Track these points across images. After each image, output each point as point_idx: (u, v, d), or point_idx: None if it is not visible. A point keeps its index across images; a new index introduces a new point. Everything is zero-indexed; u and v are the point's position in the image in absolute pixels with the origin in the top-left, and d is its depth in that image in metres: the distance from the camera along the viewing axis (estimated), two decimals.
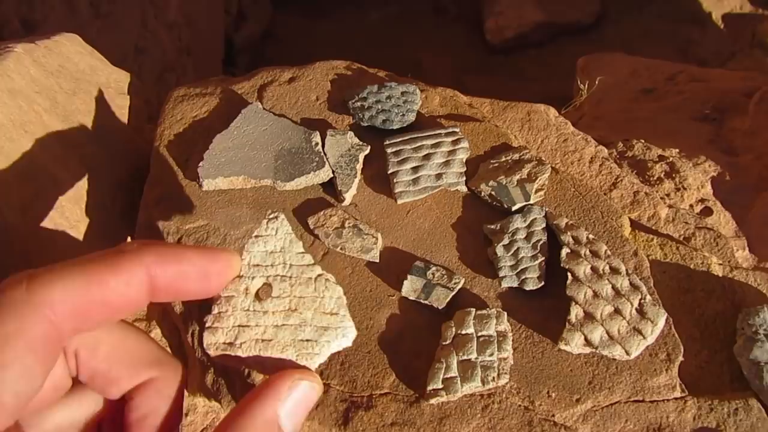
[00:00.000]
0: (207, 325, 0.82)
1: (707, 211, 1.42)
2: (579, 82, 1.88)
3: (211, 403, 1.23)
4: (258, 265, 0.86)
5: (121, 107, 1.47)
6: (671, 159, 1.49)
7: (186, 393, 1.13)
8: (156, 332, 1.32)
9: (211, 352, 0.81)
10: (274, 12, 7.06)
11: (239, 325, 0.81)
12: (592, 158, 1.41)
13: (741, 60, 6.56)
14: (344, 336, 0.84)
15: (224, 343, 0.81)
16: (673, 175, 1.46)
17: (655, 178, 1.46)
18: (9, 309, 0.50)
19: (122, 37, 4.15)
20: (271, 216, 0.89)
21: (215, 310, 0.82)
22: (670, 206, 1.36)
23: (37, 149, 1.17)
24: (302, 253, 0.88)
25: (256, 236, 0.87)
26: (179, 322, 1.27)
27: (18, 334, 0.49)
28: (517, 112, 1.48)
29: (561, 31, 6.82)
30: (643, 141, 1.53)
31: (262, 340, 0.81)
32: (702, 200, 1.44)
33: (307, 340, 0.82)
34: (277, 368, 0.81)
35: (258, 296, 0.85)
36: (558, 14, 6.69)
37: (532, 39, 6.78)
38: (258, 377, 1.06)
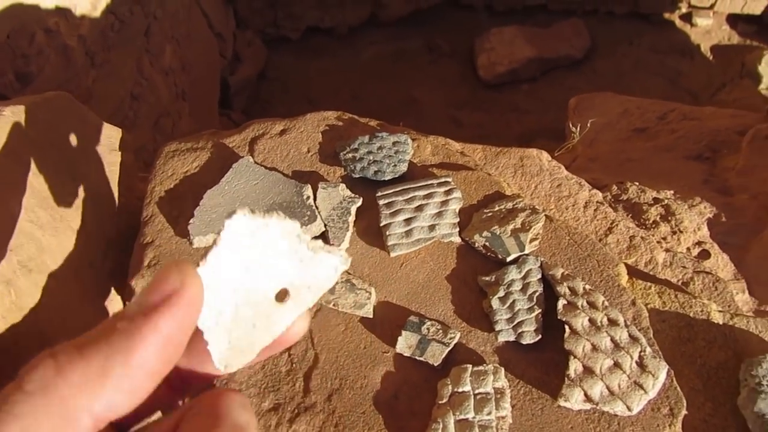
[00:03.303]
0: None
1: (705, 254, 1.40)
2: (571, 125, 1.88)
3: None
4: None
5: (112, 164, 1.47)
6: (666, 201, 1.49)
7: None
8: None
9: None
10: (269, 54, 7.14)
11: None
12: (586, 203, 1.40)
13: (731, 90, 6.62)
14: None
15: None
16: (669, 218, 1.44)
17: (650, 221, 1.45)
18: (47, 409, 0.44)
19: (118, 85, 4.18)
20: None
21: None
22: (667, 250, 1.35)
23: (23, 215, 1.16)
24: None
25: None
26: None
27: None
28: (510, 157, 1.48)
29: (552, 65, 6.90)
30: (637, 183, 1.53)
31: None
32: (699, 243, 1.43)
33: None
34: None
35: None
36: (548, 49, 6.78)
37: (524, 74, 6.85)
38: None
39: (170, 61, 5.15)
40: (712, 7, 7.08)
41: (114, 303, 1.31)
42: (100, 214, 1.36)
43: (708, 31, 7.36)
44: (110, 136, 1.52)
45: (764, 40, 7.13)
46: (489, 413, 0.99)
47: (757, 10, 6.88)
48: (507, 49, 6.87)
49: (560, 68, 7.25)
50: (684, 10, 7.05)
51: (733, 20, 7.22)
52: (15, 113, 1.25)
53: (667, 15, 7.18)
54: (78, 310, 1.22)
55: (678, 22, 7.38)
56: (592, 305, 1.09)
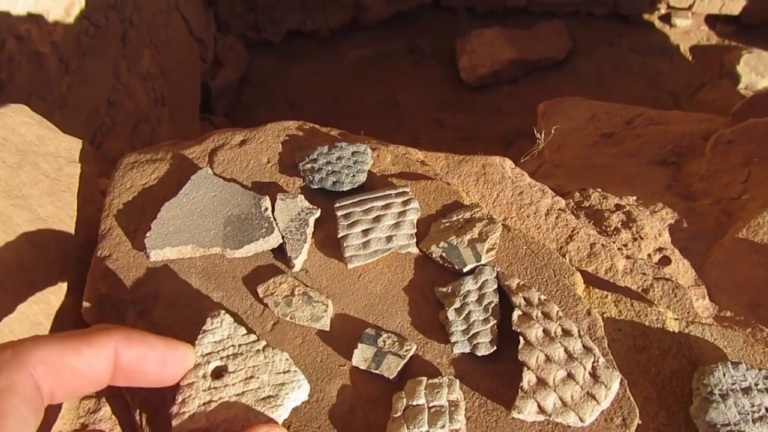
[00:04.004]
0: (174, 412, 0.93)
1: (665, 261, 1.41)
2: (536, 132, 1.88)
3: None
4: (210, 353, 1.01)
5: (71, 176, 1.45)
6: (628, 208, 1.49)
7: None
8: (105, 410, 1.27)
9: None
10: (251, 57, 7.11)
11: (204, 403, 0.95)
12: (548, 210, 1.40)
13: (710, 90, 6.68)
14: (300, 388, 0.99)
15: (192, 421, 0.93)
16: (630, 225, 1.45)
17: (612, 228, 1.45)
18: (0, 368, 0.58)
19: (93, 92, 4.14)
20: (213, 314, 1.05)
21: (179, 399, 0.95)
22: (627, 257, 1.35)
23: None
24: (246, 334, 1.04)
25: (204, 331, 1.03)
26: (129, 399, 1.23)
27: (10, 388, 0.57)
28: (473, 165, 1.48)
29: (534, 66, 6.93)
30: (599, 190, 1.53)
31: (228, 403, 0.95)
32: (660, 249, 1.43)
33: (269, 397, 0.97)
34: (245, 425, 0.92)
35: (215, 375, 0.99)
36: (530, 51, 6.80)
37: (505, 75, 6.87)
38: None
39: (148, 66, 5.11)
40: (690, 7, 7.14)
41: (71, 316, 1.29)
42: (57, 229, 1.34)
43: (687, 31, 7.42)
44: (70, 148, 1.51)
45: (742, 40, 7.19)
46: (443, 426, 0.98)
47: (735, 10, 6.94)
48: (488, 51, 6.89)
49: (541, 69, 7.28)
50: (663, 11, 7.11)
51: (712, 21, 7.28)
52: None
53: (646, 16, 7.22)
54: (34, 329, 1.20)
55: (657, 23, 7.43)
56: (546, 315, 1.09)
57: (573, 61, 7.06)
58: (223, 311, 1.10)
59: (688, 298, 1.29)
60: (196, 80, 6.15)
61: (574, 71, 7.07)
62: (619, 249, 1.38)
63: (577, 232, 1.36)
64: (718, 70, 6.70)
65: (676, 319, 1.17)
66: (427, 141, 6.33)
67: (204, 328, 1.07)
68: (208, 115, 6.33)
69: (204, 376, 1.02)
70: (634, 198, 1.55)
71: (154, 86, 5.08)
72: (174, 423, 0.96)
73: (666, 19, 6.92)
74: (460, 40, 6.97)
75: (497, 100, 6.75)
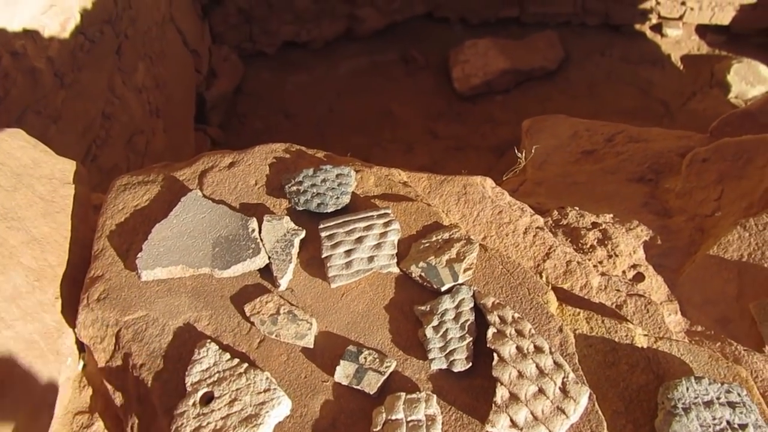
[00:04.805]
0: None
1: (639, 277, 1.46)
2: (516, 151, 1.94)
3: None
4: (199, 381, 1.13)
5: (65, 197, 1.50)
6: (604, 225, 1.54)
7: None
8: (98, 424, 1.32)
9: None
10: (246, 69, 7.16)
11: (194, 429, 1.07)
12: (526, 229, 1.45)
13: (702, 99, 6.75)
14: (280, 405, 1.10)
15: None
16: (606, 242, 1.50)
17: (588, 246, 1.50)
18: None
19: (89, 105, 4.19)
20: (200, 343, 1.18)
21: (173, 428, 1.08)
22: (602, 274, 1.40)
23: None
24: (230, 359, 1.15)
25: (192, 361, 1.16)
26: (121, 414, 1.28)
27: None
28: (454, 186, 1.53)
29: (526, 77, 6.99)
30: (577, 209, 1.58)
31: (215, 430, 1.07)
32: (634, 266, 1.48)
33: (250, 416, 1.08)
34: None
35: (204, 402, 1.11)
36: (522, 61, 6.87)
37: (498, 85, 6.93)
38: None
39: (143, 78, 5.17)
40: (681, 18, 7.21)
41: (66, 337, 1.34)
42: (51, 249, 1.39)
43: (678, 41, 7.49)
44: (64, 170, 1.56)
45: (732, 49, 7.27)
46: None
47: (725, 20, 7.02)
48: (481, 61, 6.95)
49: (534, 79, 7.33)
50: (654, 21, 7.17)
51: (702, 31, 7.35)
52: None
53: (637, 26, 7.30)
54: (29, 348, 1.25)
55: (648, 33, 7.50)
56: (519, 333, 1.14)
57: (565, 71, 7.12)
58: (209, 341, 1.21)
59: (659, 313, 1.34)
60: (191, 91, 6.21)
61: (567, 81, 7.14)
62: (594, 266, 1.43)
63: (554, 250, 1.41)
64: (709, 79, 6.78)
65: (645, 335, 1.22)
66: (420, 150, 6.38)
67: (193, 358, 1.18)
68: (203, 126, 6.38)
69: (194, 404, 1.13)
70: (611, 216, 1.60)
71: (149, 98, 5.14)
72: None
73: (657, 29, 6.99)
74: (453, 50, 7.04)
75: (490, 110, 6.81)
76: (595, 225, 1.54)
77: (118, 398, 1.26)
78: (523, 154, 1.85)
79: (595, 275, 1.38)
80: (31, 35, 3.46)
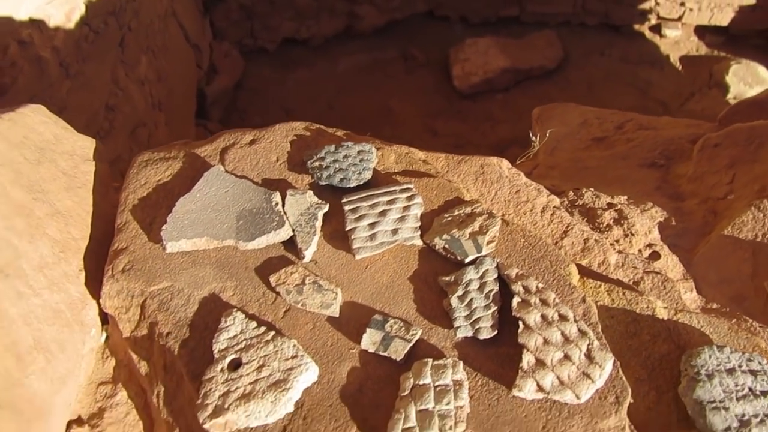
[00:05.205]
0: (198, 403, 1.09)
1: (655, 256, 1.48)
2: (531, 135, 1.96)
3: None
4: (226, 348, 1.15)
5: (86, 173, 1.51)
6: (619, 206, 1.56)
7: None
8: (122, 394, 1.33)
9: (207, 426, 1.06)
10: (246, 65, 7.17)
11: (223, 394, 1.09)
12: (543, 208, 1.47)
13: (700, 99, 6.79)
14: (308, 371, 1.12)
15: (215, 410, 1.07)
16: (622, 222, 1.52)
17: (604, 225, 1.52)
18: None
19: (93, 96, 4.20)
20: (227, 312, 1.20)
21: (201, 392, 1.10)
22: (619, 252, 1.42)
23: (0, 223, 1.20)
24: (257, 327, 1.17)
25: (219, 329, 1.18)
26: (145, 384, 1.29)
27: None
28: (471, 165, 1.55)
29: (526, 75, 7.02)
30: (592, 189, 1.60)
31: (244, 395, 1.08)
32: (650, 245, 1.51)
33: (280, 381, 1.10)
34: None
35: (232, 368, 1.13)
36: (522, 60, 6.90)
37: (498, 84, 6.95)
38: None
39: (146, 71, 5.17)
40: (680, 18, 7.25)
41: (90, 308, 1.35)
42: (75, 223, 1.40)
43: (677, 42, 7.53)
44: (84, 147, 1.57)
45: (731, 50, 7.31)
46: (448, 403, 1.05)
47: (724, 21, 7.06)
48: (481, 60, 6.97)
49: (533, 78, 7.36)
50: (653, 21, 7.21)
51: (701, 31, 7.39)
52: None
53: (637, 26, 7.33)
54: (56, 317, 1.26)
55: (648, 33, 7.53)
56: (544, 302, 1.16)
57: (564, 70, 7.16)
58: (235, 309, 1.22)
59: (676, 290, 1.36)
60: (192, 86, 6.21)
61: (566, 80, 7.17)
62: (611, 244, 1.45)
63: (572, 228, 1.43)
64: (708, 80, 6.82)
65: (665, 307, 1.24)
66: (420, 148, 6.37)
67: (219, 326, 1.20)
68: (204, 121, 6.38)
69: (222, 370, 1.14)
70: (625, 197, 1.62)
71: (152, 91, 5.14)
72: (198, 414, 1.08)
73: (656, 29, 7.03)
74: (453, 48, 7.05)
75: (490, 108, 6.84)
76: (610, 205, 1.56)
77: (143, 367, 1.27)
78: (537, 138, 1.87)
79: (612, 253, 1.40)
80: (37, 24, 3.46)
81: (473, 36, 7.40)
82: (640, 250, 1.49)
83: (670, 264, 1.47)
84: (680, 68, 7.37)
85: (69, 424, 1.29)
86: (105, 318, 1.39)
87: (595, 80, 7.35)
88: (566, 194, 1.61)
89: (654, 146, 1.88)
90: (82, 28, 4.07)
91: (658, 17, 7.29)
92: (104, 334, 1.40)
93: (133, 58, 4.92)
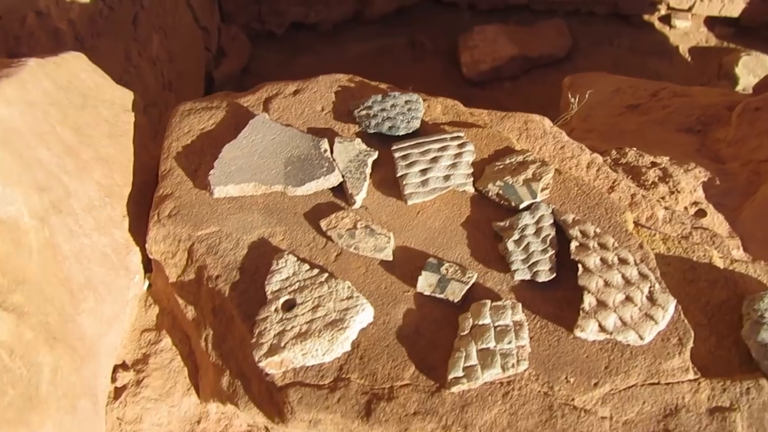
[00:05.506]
0: (253, 342, 1.08)
1: (701, 213, 1.47)
2: (570, 96, 1.95)
3: (225, 408, 1.23)
4: (279, 290, 1.14)
5: (126, 123, 1.49)
6: (663, 165, 1.55)
7: (198, 400, 1.17)
8: (166, 341, 1.32)
9: (263, 364, 1.06)
10: (254, 49, 7.13)
11: (278, 333, 1.08)
12: (588, 164, 1.46)
13: None
14: (364, 311, 1.11)
15: (270, 348, 1.06)
16: (667, 180, 1.51)
17: (650, 182, 1.51)
18: None
19: (107, 71, 4.15)
20: (278, 255, 1.19)
21: (255, 332, 1.09)
22: (666, 208, 1.41)
23: (52, 160, 1.19)
24: (310, 269, 1.16)
25: (271, 271, 1.17)
26: (191, 329, 1.28)
27: None
28: (515, 121, 1.53)
29: (534, 63, 6.99)
30: (635, 149, 1.59)
31: (300, 334, 1.07)
32: (695, 203, 1.49)
33: (336, 320, 1.08)
34: None
35: (286, 308, 1.12)
36: (531, 48, 6.86)
37: (506, 72, 6.92)
38: (276, 375, 1.07)
39: (157, 50, 5.14)
40: (690, 9, 7.22)
41: (134, 255, 1.33)
42: (117, 169, 1.38)
43: (686, 32, 7.50)
44: (123, 97, 1.55)
45: (741, 42, 7.29)
46: (509, 342, 1.04)
47: (735, 12, 7.04)
48: (490, 47, 6.93)
49: (542, 66, 7.32)
50: (663, 11, 7.19)
51: (711, 22, 7.37)
52: (39, 64, 1.28)
53: (646, 16, 7.31)
54: (103, 259, 1.24)
55: (657, 24, 7.51)
56: (603, 246, 1.15)
57: (573, 59, 7.13)
58: (287, 252, 1.21)
59: (725, 245, 1.35)
60: (201, 69, 6.17)
61: (574, 69, 7.13)
62: (658, 200, 1.44)
63: (618, 184, 1.42)
64: (717, 71, 6.80)
65: (720, 257, 1.23)
66: None
67: (271, 269, 1.18)
68: None
69: (276, 310, 1.13)
70: (668, 158, 1.61)
71: (162, 71, 5.10)
72: (254, 352, 1.07)
73: (666, 20, 7.01)
74: (462, 36, 7.02)
75: (498, 96, 6.81)
76: (654, 164, 1.55)
77: (189, 312, 1.25)
78: (576, 99, 1.85)
79: (659, 208, 1.39)
80: None
81: (482, 23, 7.36)
82: (686, 208, 1.48)
83: (717, 221, 1.46)
84: (689, 59, 7.35)
85: (114, 369, 1.27)
86: (147, 266, 1.38)
87: (604, 70, 7.30)
88: (609, 153, 1.60)
89: (691, 112, 1.87)
90: (96, 2, 4.04)
91: (668, 7, 7.25)
92: (147, 282, 1.38)
93: (145, 36, 4.89)
